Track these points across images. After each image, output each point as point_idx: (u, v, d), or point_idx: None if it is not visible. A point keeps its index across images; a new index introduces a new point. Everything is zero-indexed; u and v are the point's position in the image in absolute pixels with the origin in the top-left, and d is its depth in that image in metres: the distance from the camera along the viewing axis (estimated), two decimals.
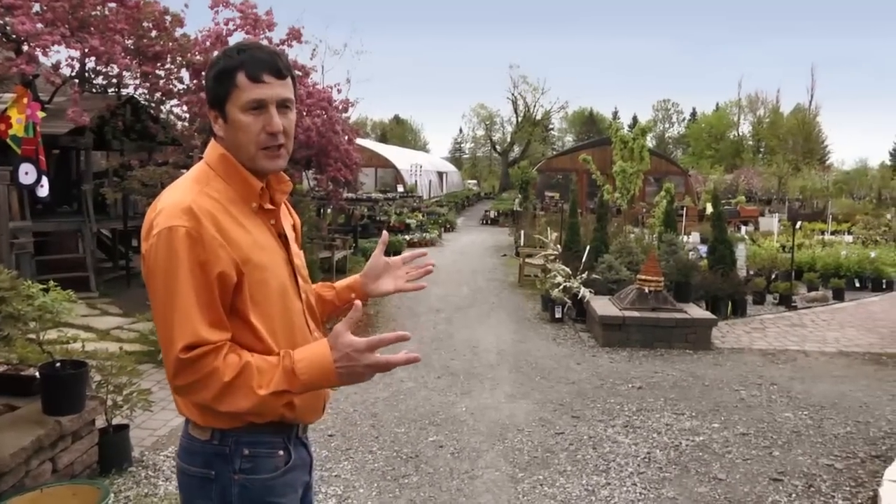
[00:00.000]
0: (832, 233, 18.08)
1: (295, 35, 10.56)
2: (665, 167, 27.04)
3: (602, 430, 4.98)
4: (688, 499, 3.93)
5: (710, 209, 13.37)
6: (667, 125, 70.74)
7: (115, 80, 10.46)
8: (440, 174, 38.25)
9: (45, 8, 8.57)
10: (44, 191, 7.47)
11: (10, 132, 7.08)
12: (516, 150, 56.14)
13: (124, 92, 10.61)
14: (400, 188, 26.00)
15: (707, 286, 9.07)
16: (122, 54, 8.89)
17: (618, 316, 7.60)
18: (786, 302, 9.96)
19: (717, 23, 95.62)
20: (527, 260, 12.03)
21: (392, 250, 15.00)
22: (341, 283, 1.93)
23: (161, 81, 9.72)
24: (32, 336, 3.93)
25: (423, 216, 21.03)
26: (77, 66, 9.99)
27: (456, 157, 67.22)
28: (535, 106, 55.52)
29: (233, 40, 9.56)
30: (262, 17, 9.90)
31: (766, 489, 4.06)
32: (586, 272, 9.17)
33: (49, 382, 3.66)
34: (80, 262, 9.46)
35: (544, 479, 4.14)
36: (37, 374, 3.84)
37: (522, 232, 14.49)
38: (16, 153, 7.22)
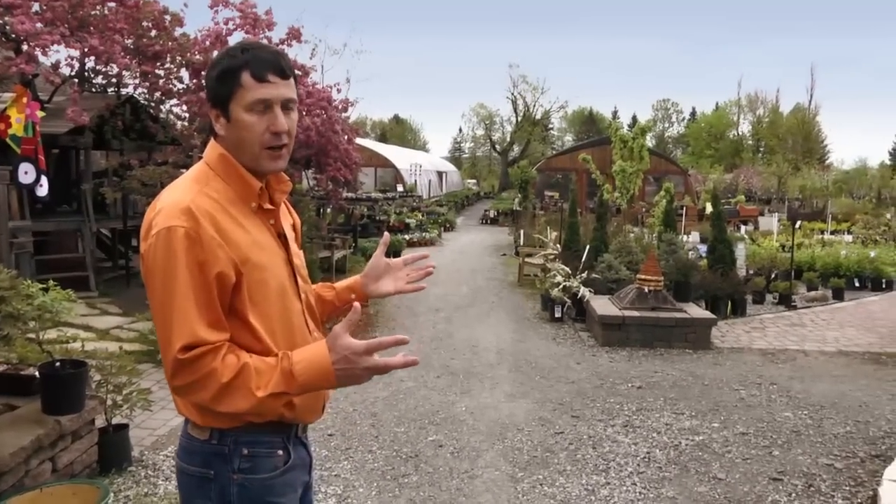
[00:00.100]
0: (832, 232, 18.09)
1: (294, 35, 10.56)
2: (665, 167, 27.04)
3: (602, 430, 4.99)
4: (687, 498, 3.93)
5: (709, 209, 13.38)
6: (666, 125, 70.76)
7: (114, 80, 10.46)
8: (440, 174, 38.26)
9: (44, 7, 8.57)
10: (43, 190, 7.47)
11: (10, 132, 7.08)
12: (516, 149, 56.14)
13: (124, 91, 10.61)
14: (399, 188, 26.01)
15: (707, 286, 9.07)
16: (122, 54, 8.89)
17: (617, 315, 7.60)
18: (785, 301, 9.96)
19: (717, 23, 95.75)
20: (526, 259, 12.03)
21: (392, 250, 14.94)
22: (341, 283, 1.92)
23: (160, 81, 9.72)
24: (32, 335, 3.93)
25: (422, 216, 21.04)
26: (76, 65, 9.99)
27: (455, 157, 67.22)
28: (534, 105, 55.57)
29: (232, 40, 9.56)
30: (261, 17, 9.90)
31: (766, 489, 4.06)
32: (586, 272, 9.17)
33: (49, 382, 3.66)
34: (80, 261, 9.45)
35: (544, 479, 4.14)
36: (36, 373, 3.83)
37: (522, 231, 14.49)
38: (15, 153, 7.21)
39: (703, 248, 10.86)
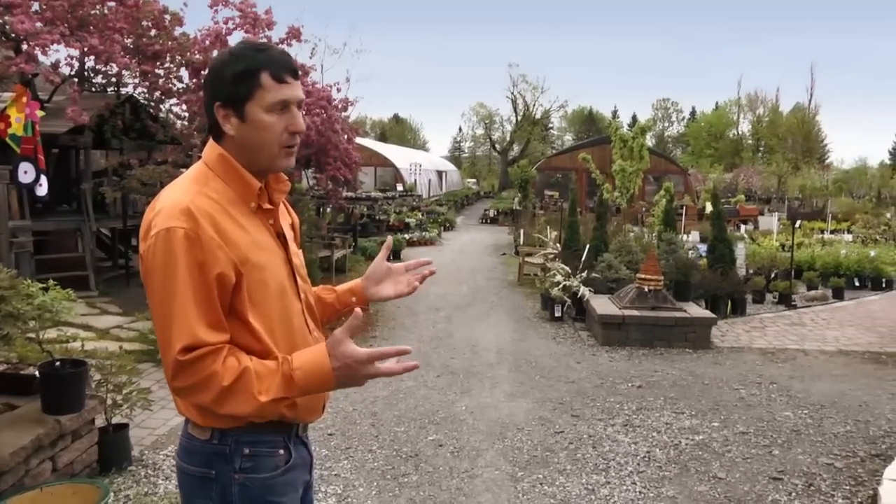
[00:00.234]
0: (832, 232, 18.09)
1: (294, 34, 10.55)
2: (664, 166, 27.02)
3: (602, 429, 4.98)
4: (687, 497, 3.93)
5: (709, 208, 13.38)
6: (666, 124, 70.74)
7: (114, 79, 10.46)
8: (439, 173, 38.27)
9: (44, 7, 8.57)
10: (42, 190, 7.47)
11: (10, 131, 7.08)
12: (516, 148, 56.12)
13: (123, 91, 10.61)
14: (399, 187, 26.02)
15: (706, 285, 9.07)
16: (122, 53, 8.89)
17: (617, 315, 7.60)
18: (785, 301, 9.96)
19: (717, 22, 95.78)
20: (526, 259, 12.03)
21: (392, 250, 14.97)
22: (342, 286, 1.93)
23: (160, 80, 9.72)
24: (32, 335, 3.93)
25: (422, 215, 21.05)
26: (76, 64, 9.99)
27: (455, 156, 67.20)
28: (534, 105, 55.58)
29: (232, 39, 9.56)
30: (261, 16, 9.89)
31: (766, 488, 4.06)
32: (586, 271, 9.17)
33: (49, 381, 3.66)
34: (80, 261, 9.45)
35: (544, 478, 4.14)
36: (36, 373, 3.83)
37: (522, 231, 14.49)
38: (15, 152, 7.21)
39: (702, 248, 10.86)
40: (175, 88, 9.95)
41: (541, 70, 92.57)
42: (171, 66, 9.84)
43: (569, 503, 3.85)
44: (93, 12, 9.04)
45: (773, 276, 10.86)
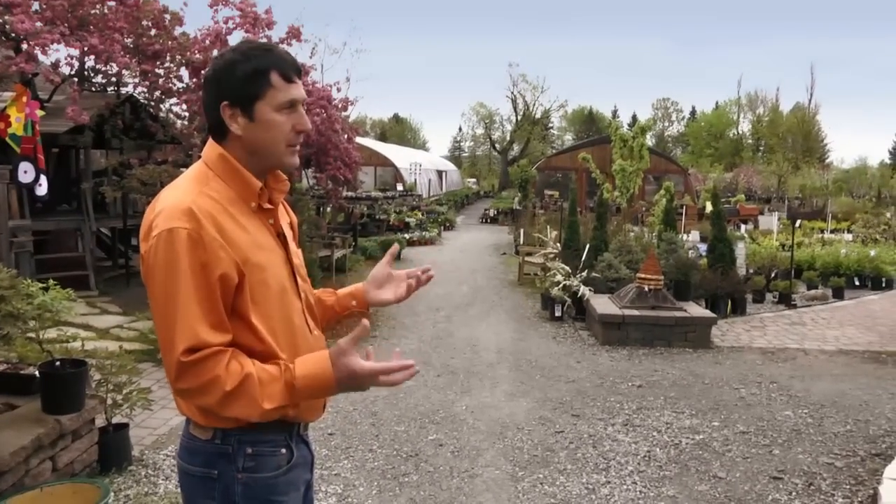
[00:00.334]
0: (832, 231, 18.09)
1: (294, 34, 10.55)
2: (665, 166, 27.01)
3: (602, 429, 4.98)
4: (688, 497, 3.93)
5: (709, 208, 13.37)
6: (666, 124, 70.66)
7: (114, 79, 10.45)
8: (439, 173, 38.26)
9: (44, 6, 8.57)
10: (42, 189, 7.47)
11: (10, 131, 7.07)
12: (516, 148, 56.11)
13: (123, 90, 10.61)
14: (399, 187, 26.01)
15: (707, 285, 9.07)
16: (122, 53, 8.89)
17: (617, 314, 7.60)
18: (785, 300, 9.96)
19: (717, 22, 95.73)
20: (526, 258, 12.03)
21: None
22: (343, 290, 1.94)
23: (160, 80, 9.71)
24: (32, 335, 3.93)
25: (422, 215, 21.04)
26: (76, 64, 9.99)
27: (455, 156, 67.20)
28: (534, 104, 55.59)
29: (232, 39, 9.57)
30: (261, 16, 9.89)
31: (767, 487, 4.06)
32: (586, 271, 9.17)
33: (49, 381, 3.65)
34: (80, 260, 9.45)
35: (544, 478, 4.14)
36: (36, 372, 3.83)
37: (522, 230, 14.48)
38: (15, 152, 7.21)
39: (702, 247, 10.85)
40: (175, 88, 9.95)
41: (541, 70, 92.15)
42: (171, 65, 9.84)
43: (569, 503, 3.85)
44: (93, 12, 9.04)
45: (773, 275, 10.86)
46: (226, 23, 9.74)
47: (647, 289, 7.81)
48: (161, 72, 9.72)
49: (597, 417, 5.23)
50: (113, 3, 9.16)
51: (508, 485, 4.05)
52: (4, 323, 3.69)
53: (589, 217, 13.41)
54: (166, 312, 1.42)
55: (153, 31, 9.64)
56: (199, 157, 1.62)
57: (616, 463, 4.38)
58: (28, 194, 8.15)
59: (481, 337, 7.83)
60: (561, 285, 8.84)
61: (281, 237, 1.64)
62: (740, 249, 10.70)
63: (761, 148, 58.65)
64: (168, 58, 9.74)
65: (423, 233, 18.67)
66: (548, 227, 12.62)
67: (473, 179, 53.26)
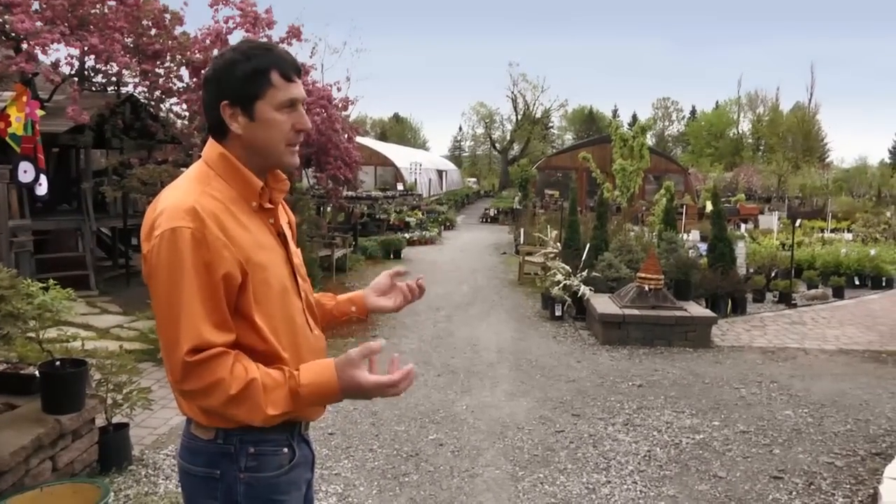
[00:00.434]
0: (832, 231, 18.09)
1: (295, 33, 10.55)
2: (665, 165, 27.01)
3: (602, 429, 4.98)
4: (688, 497, 3.93)
5: (709, 207, 13.37)
6: (666, 123, 70.62)
7: (114, 79, 10.46)
8: (440, 172, 38.26)
9: (44, 6, 8.57)
10: (42, 189, 7.46)
11: (10, 130, 7.07)
12: (516, 148, 56.12)
13: (124, 90, 10.61)
14: (400, 186, 26.00)
15: (707, 284, 9.07)
16: (122, 52, 8.89)
17: (618, 314, 7.60)
18: (785, 300, 9.96)
19: (717, 22, 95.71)
20: (527, 258, 12.02)
21: (392, 248, 15.01)
22: (343, 295, 1.95)
23: (160, 80, 9.72)
24: (32, 334, 3.93)
25: (422, 214, 21.03)
26: (76, 64, 10.00)
27: (455, 156, 67.21)
28: (534, 104, 55.61)
29: (232, 39, 9.57)
30: (261, 16, 9.90)
31: (767, 487, 4.06)
32: (586, 270, 9.17)
33: (49, 381, 3.65)
34: (80, 260, 9.45)
35: (545, 478, 4.14)
36: (36, 372, 3.83)
37: (522, 230, 14.48)
38: (15, 151, 7.21)
39: (703, 247, 10.85)
40: (175, 88, 9.95)
41: (541, 69, 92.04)
42: (172, 65, 9.85)
43: (569, 502, 3.85)
44: (93, 11, 9.05)
45: (773, 274, 10.85)
46: (226, 22, 9.75)
47: (647, 288, 7.81)
48: (161, 71, 9.72)
49: (597, 417, 5.23)
50: (113, 3, 9.16)
51: (509, 484, 4.05)
52: (4, 323, 3.69)
53: (589, 216, 13.41)
54: (170, 312, 1.41)
55: (153, 31, 9.64)
56: (200, 156, 1.62)
57: (616, 462, 4.38)
58: (28, 194, 8.15)
59: (481, 336, 7.83)
60: (561, 285, 8.84)
61: (281, 237, 1.64)
62: (740, 249, 10.70)
63: (761, 147, 58.64)
64: (168, 57, 9.74)
65: (424, 232, 18.66)
66: (548, 226, 12.62)
67: (474, 179, 53.26)
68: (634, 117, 61.88)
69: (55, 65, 9.44)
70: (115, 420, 4.12)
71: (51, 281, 4.07)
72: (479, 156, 67.03)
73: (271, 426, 1.53)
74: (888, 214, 19.58)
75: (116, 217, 10.61)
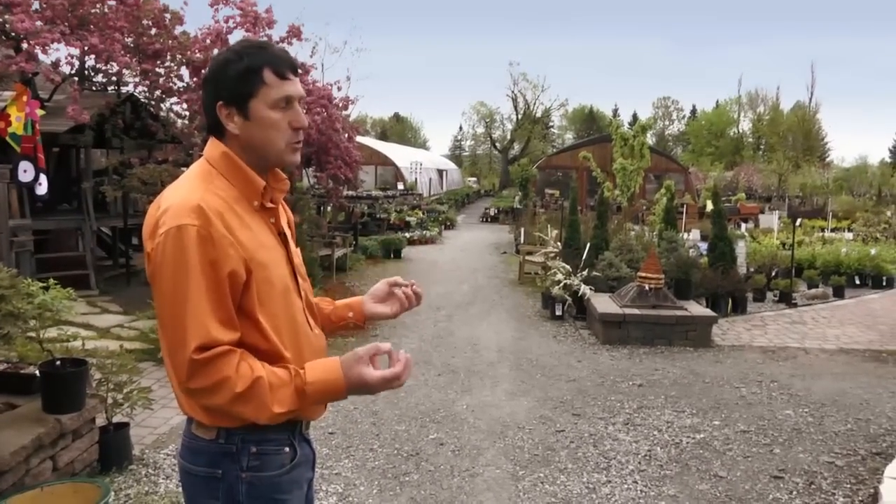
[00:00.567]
0: (832, 230, 18.08)
1: (295, 33, 10.56)
2: (665, 164, 27.00)
3: (603, 428, 4.98)
4: (689, 496, 3.93)
5: (710, 206, 13.36)
6: (667, 122, 70.57)
7: (114, 78, 10.45)
8: (440, 172, 38.26)
9: (44, 6, 8.57)
10: (42, 189, 7.46)
11: (10, 130, 7.07)
12: (516, 147, 56.12)
13: (124, 90, 10.61)
14: (400, 186, 25.99)
15: (707, 283, 9.06)
16: (122, 52, 8.89)
17: (618, 313, 7.60)
18: (786, 299, 9.96)
19: (717, 22, 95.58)
20: (527, 257, 12.02)
21: (393, 248, 15.00)
22: (341, 301, 1.95)
23: (161, 79, 9.72)
24: (32, 334, 3.93)
25: (423, 214, 21.01)
26: (76, 63, 10.00)
27: (456, 155, 67.17)
28: (535, 103, 55.61)
29: (233, 38, 9.57)
30: (261, 15, 9.90)
31: (767, 486, 4.06)
32: (586, 270, 9.17)
33: (49, 381, 3.65)
34: (80, 260, 9.45)
35: (545, 477, 4.14)
36: (37, 372, 3.83)
37: (522, 229, 14.49)
38: (15, 151, 7.21)
39: (703, 246, 10.85)
40: (175, 87, 9.96)
41: (541, 69, 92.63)
42: (172, 64, 9.85)
43: (570, 502, 3.85)
44: (93, 11, 9.04)
45: (773, 274, 10.85)
46: (226, 22, 9.75)
47: (647, 288, 7.81)
48: (161, 71, 9.72)
49: (597, 416, 5.23)
50: (113, 3, 9.16)
51: (509, 484, 4.05)
52: (5, 322, 3.69)
53: (589, 216, 13.41)
54: (175, 310, 1.41)
55: (153, 31, 9.65)
56: (201, 155, 1.62)
57: (617, 462, 4.38)
58: (28, 194, 8.16)
59: (482, 336, 7.83)
60: (561, 284, 8.83)
61: (282, 236, 1.65)
62: (741, 248, 10.70)
63: (762, 146, 58.60)
64: (168, 57, 9.74)
65: (424, 232, 18.65)
66: (548, 225, 12.62)
67: (474, 178, 53.24)
68: (635, 116, 61.86)
69: (55, 64, 9.44)
70: (115, 419, 4.12)
71: (51, 280, 4.07)
72: (480, 155, 67.03)
73: (274, 426, 1.53)
74: (888, 214, 19.57)
75: (117, 217, 10.61)
